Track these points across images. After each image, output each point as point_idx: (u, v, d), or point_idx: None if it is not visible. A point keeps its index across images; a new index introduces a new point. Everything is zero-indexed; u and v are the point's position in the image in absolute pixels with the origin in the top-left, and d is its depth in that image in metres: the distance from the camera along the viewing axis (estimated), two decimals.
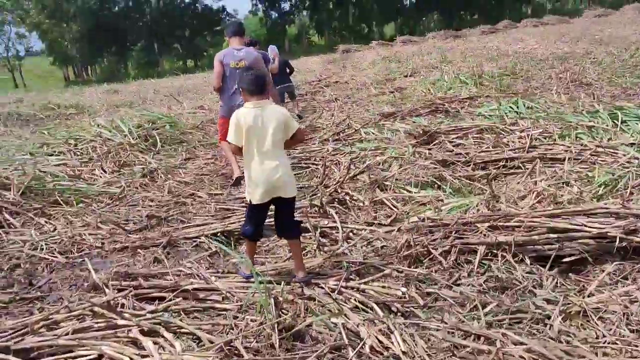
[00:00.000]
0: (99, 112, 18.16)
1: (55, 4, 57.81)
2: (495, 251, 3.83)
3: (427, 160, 6.33)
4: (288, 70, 11.68)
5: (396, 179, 5.80)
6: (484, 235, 3.95)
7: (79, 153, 8.37)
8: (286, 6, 68.19)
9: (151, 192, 6.33)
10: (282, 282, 3.49)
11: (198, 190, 6.34)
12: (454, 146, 6.98)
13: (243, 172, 3.89)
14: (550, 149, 6.08)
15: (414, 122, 9.08)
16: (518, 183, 5.46)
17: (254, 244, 3.89)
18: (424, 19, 66.93)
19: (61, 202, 5.92)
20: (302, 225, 4.02)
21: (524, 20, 46.66)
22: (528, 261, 3.76)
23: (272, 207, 3.74)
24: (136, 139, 8.89)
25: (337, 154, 7.30)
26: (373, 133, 8.36)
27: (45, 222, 5.39)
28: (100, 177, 7.17)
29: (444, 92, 12.48)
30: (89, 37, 59.46)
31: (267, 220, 3.84)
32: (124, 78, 50.49)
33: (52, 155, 8.22)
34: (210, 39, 68.03)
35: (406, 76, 17.79)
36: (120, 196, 6.08)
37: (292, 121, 3.62)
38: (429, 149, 6.96)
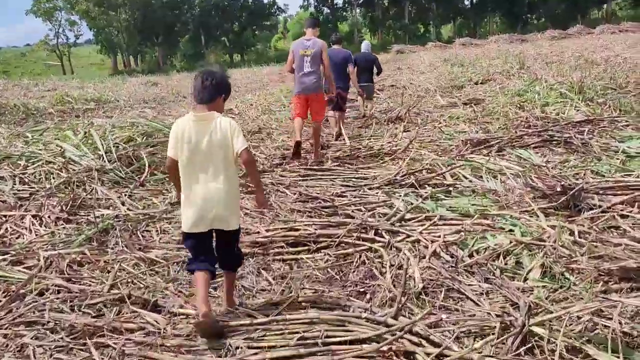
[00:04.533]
0: (120, 108, 15.89)
1: None
2: None
3: (594, 257, 3.29)
4: (375, 70, 10.78)
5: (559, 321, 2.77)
6: None
7: (25, 180, 5.72)
8: (339, 2, 65.24)
9: (76, 286, 3.51)
10: None
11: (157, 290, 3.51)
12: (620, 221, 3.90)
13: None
14: None
15: (523, 158, 6.03)
16: None
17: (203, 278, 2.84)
18: (485, 20, 62.60)
19: None
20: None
21: (600, 26, 42.43)
22: None
23: None
24: (115, 162, 6.18)
25: (412, 221, 4.34)
26: (465, 177, 5.35)
27: None
28: (27, 233, 4.46)
29: (539, 108, 9.33)
30: (137, 27, 58.20)
31: None
32: (170, 70, 48.93)
33: None
34: (258, 33, 65.88)
35: (477, 83, 14.63)
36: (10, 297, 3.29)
37: (237, 138, 2.87)
38: (575, 222, 3.92)
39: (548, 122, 7.89)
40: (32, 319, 3.01)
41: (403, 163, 6.21)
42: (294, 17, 77.73)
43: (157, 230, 4.56)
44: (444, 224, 4.14)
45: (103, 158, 6.21)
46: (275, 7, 67.20)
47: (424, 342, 2.47)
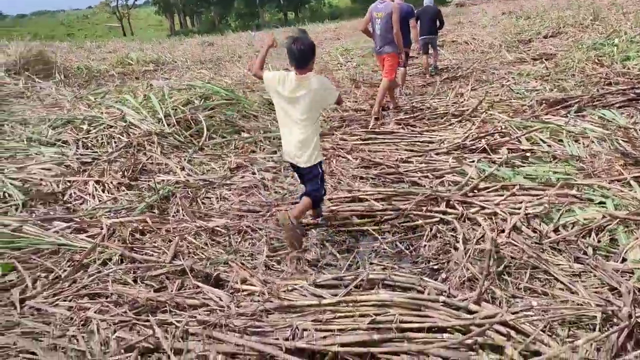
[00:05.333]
0: (177, 69, 15.95)
1: None
2: None
3: None
4: (438, 23, 10.46)
5: None
6: None
7: (89, 144, 5.73)
8: None
9: (139, 256, 3.44)
10: None
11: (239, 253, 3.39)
12: None
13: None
14: None
15: (607, 119, 5.49)
16: None
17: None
18: None
19: None
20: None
21: None
22: None
23: None
24: (174, 125, 6.09)
25: (487, 190, 4.00)
26: (543, 141, 4.90)
27: None
28: (90, 199, 4.45)
29: (620, 63, 8.56)
30: None
31: None
32: (225, 29, 48.85)
33: (53, 145, 5.67)
34: None
35: (546, 37, 13.65)
36: (67, 278, 3.23)
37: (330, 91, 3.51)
38: None
39: (632, 79, 7.20)
40: (96, 290, 2.95)
41: (472, 126, 5.80)
42: None
43: (217, 197, 4.44)
44: (523, 194, 3.77)
45: (162, 122, 6.14)
46: None
47: (512, 332, 2.21)
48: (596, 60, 8.99)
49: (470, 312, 2.37)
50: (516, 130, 5.40)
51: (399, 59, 7.14)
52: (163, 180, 4.80)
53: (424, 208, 3.74)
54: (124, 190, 4.60)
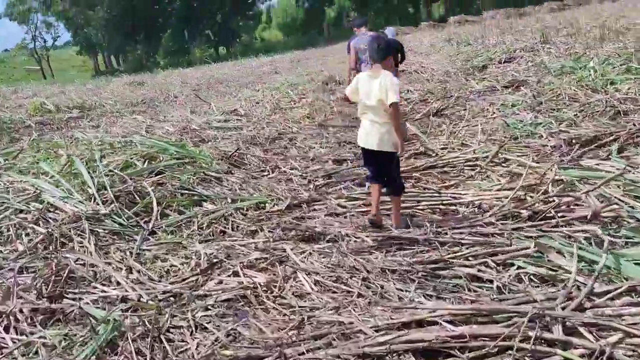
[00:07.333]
0: (107, 114, 14.10)
1: None
2: None
3: None
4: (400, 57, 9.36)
5: None
6: None
7: None
8: None
9: None
10: None
11: None
12: None
13: None
14: None
15: None
16: None
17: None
18: None
19: None
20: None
21: None
22: None
23: None
24: (111, 202, 4.48)
25: (608, 296, 2.69)
26: (622, 201, 3.68)
27: None
28: None
29: (607, 88, 7.87)
30: (116, 24, 55.58)
31: None
32: (154, 67, 46.71)
33: None
34: (242, 24, 63.43)
35: (501, 62, 12.98)
36: None
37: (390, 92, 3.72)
38: None
39: None
40: None
41: (503, 179, 4.57)
42: (277, 5, 75.21)
43: (190, 327, 2.90)
44: None
45: (95, 198, 4.51)
46: None
47: None
48: (582, 86, 8.19)
49: None
50: (558, 182, 4.21)
51: None
52: (103, 300, 3.19)
53: (530, 338, 2.38)
54: (40, 327, 2.97)
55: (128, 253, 3.90)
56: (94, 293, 3.36)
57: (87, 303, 3.21)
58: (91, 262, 3.70)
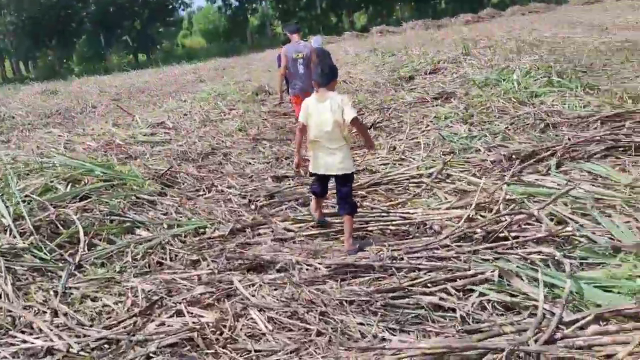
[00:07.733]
0: (17, 127, 13.00)
1: None
2: None
3: None
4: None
5: None
6: None
7: None
8: None
9: None
10: None
11: None
12: None
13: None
14: None
15: (601, 176, 4.54)
16: None
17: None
18: (397, 7, 62.34)
19: None
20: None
21: (510, 7, 43.39)
22: None
23: None
24: (30, 234, 3.98)
25: (576, 325, 2.63)
26: (570, 219, 3.71)
27: None
28: None
29: (533, 100, 8.20)
30: (25, 29, 52.07)
31: None
32: (67, 74, 44.12)
33: None
34: (162, 30, 61.52)
35: (427, 73, 13.24)
36: None
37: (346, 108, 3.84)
38: None
39: (571, 119, 6.56)
40: None
41: (452, 197, 4.53)
42: (199, 12, 73.69)
43: None
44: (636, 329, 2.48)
45: (11, 230, 3.99)
46: (179, 0, 62.88)
47: None
48: (510, 98, 8.45)
49: None
50: (506, 198, 4.21)
51: None
52: (25, 352, 2.77)
53: None
54: None
55: (52, 293, 3.46)
56: (13, 344, 2.93)
57: (5, 358, 2.78)
58: (7, 307, 3.23)
